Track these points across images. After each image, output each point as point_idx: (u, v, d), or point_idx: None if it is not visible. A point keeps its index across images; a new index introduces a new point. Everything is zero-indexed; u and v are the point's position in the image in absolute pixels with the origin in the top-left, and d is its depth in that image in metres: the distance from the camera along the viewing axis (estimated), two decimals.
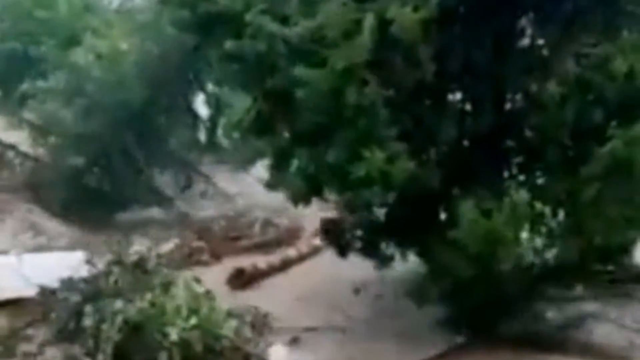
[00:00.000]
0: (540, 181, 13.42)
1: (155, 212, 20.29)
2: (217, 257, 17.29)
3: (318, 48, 11.89)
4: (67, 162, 19.06)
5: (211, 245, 17.60)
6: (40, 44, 21.53)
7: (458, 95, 13.84)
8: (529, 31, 13.65)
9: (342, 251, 14.65)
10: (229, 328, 11.39)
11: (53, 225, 18.69)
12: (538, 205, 12.72)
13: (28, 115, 20.31)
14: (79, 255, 13.47)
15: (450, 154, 13.40)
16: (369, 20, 11.70)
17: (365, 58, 11.64)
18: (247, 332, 11.89)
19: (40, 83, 19.71)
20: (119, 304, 11.16)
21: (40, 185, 19.48)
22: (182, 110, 20.66)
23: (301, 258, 17.53)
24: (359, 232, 14.45)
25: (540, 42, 13.67)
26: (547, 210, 12.88)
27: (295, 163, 13.54)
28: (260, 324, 12.92)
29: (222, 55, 13.45)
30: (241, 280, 16.09)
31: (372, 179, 11.70)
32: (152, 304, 11.10)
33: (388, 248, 14.34)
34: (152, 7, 19.39)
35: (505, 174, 13.81)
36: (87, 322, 11.30)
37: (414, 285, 13.81)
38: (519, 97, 13.70)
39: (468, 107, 13.76)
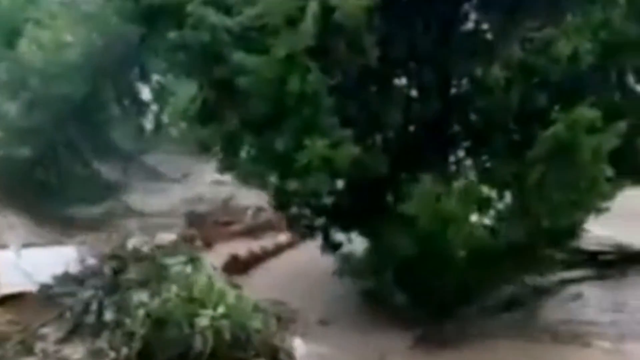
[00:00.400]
0: (486, 165, 13.47)
1: (106, 206, 20.04)
2: (209, 243, 16.94)
3: (260, 36, 11.84)
4: (13, 156, 18.78)
5: (203, 231, 17.31)
6: None
7: (404, 81, 13.90)
8: (473, 16, 13.72)
9: (290, 224, 14.76)
10: (257, 320, 11.09)
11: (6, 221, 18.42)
12: (485, 189, 12.79)
13: None
14: (70, 250, 13.26)
15: (396, 139, 13.47)
16: (313, 7, 11.66)
17: (307, 45, 11.60)
18: (274, 325, 11.55)
19: None
20: (139, 296, 10.90)
21: None
22: (128, 101, 20.48)
23: (291, 243, 17.43)
24: (305, 211, 14.48)
25: (485, 26, 13.74)
26: (494, 193, 12.93)
27: (244, 148, 13.50)
28: (285, 318, 12.64)
29: (167, 46, 13.32)
30: (237, 266, 15.92)
31: (315, 167, 11.68)
32: (176, 295, 10.80)
33: (335, 232, 14.41)
34: None
35: (452, 158, 13.89)
36: (109, 316, 11.05)
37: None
38: (464, 81, 13.78)
39: (414, 92, 13.80)
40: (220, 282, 11.45)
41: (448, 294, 13.28)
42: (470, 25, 13.66)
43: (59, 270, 12.33)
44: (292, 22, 11.69)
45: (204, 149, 14.34)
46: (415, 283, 13.35)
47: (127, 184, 20.93)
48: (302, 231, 15.00)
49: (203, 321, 10.50)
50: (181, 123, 16.54)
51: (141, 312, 10.63)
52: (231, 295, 11.09)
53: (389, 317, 14.04)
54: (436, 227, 11.80)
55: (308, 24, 11.54)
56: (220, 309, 10.70)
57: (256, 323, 10.98)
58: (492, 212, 12.98)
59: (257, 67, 11.68)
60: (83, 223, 18.32)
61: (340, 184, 13.57)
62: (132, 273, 11.41)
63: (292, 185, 12.28)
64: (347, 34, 11.93)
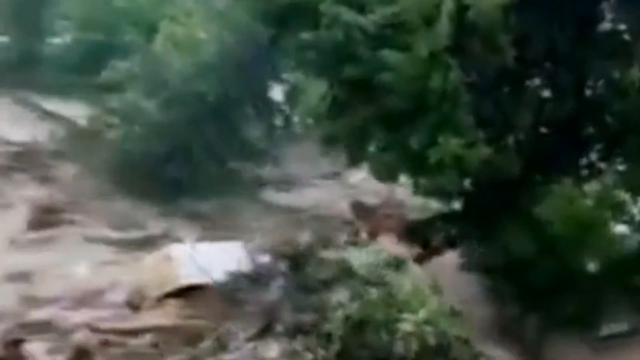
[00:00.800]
0: (621, 168, 13.19)
1: (237, 201, 19.75)
2: (374, 235, 15.28)
3: (396, 34, 11.88)
4: (150, 152, 19.10)
5: (369, 223, 15.74)
6: (120, 33, 21.86)
7: (537, 82, 13.72)
8: (610, 16, 13.44)
9: (425, 245, 14.61)
10: (456, 325, 10.57)
11: (140, 214, 18.63)
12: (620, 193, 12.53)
13: (112, 103, 20.42)
14: (237, 247, 13.27)
15: (528, 140, 13.29)
16: (447, 5, 11.64)
17: (446, 44, 11.58)
18: (471, 330, 10.98)
19: (119, 70, 19.85)
20: (336, 297, 10.51)
21: (123, 175, 19.61)
22: (261, 100, 20.61)
23: None
24: (439, 224, 14.35)
25: (622, 27, 13.45)
26: (628, 197, 12.66)
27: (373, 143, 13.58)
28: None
29: (298, 46, 13.50)
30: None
31: (447, 165, 11.64)
32: (377, 298, 10.42)
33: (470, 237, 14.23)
34: None
35: (584, 161, 13.64)
36: (303, 316, 10.71)
37: None
38: (600, 83, 13.50)
39: (547, 93, 13.61)
40: (423, 285, 10.92)
41: (584, 302, 13.02)
42: (607, 25, 13.37)
43: (230, 266, 12.34)
44: (429, 20, 11.69)
45: (330, 143, 14.43)
46: (548, 289, 13.10)
47: (266, 181, 20.92)
48: (440, 243, 14.72)
49: (406, 326, 10.15)
50: (310, 120, 16.67)
51: (340, 313, 10.30)
52: (433, 300, 10.64)
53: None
54: (571, 231, 11.58)
55: (444, 23, 11.53)
56: (422, 314, 10.29)
57: (456, 329, 10.47)
58: (625, 217, 12.74)
59: (399, 64, 11.70)
60: (215, 217, 18.47)
61: (466, 184, 13.48)
62: (315, 272, 11.13)
63: (422, 182, 12.30)
64: (482, 32, 11.86)
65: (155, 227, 17.80)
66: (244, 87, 19.60)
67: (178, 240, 14.72)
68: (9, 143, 21.46)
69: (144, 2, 22.38)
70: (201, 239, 14.53)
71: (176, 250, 13.36)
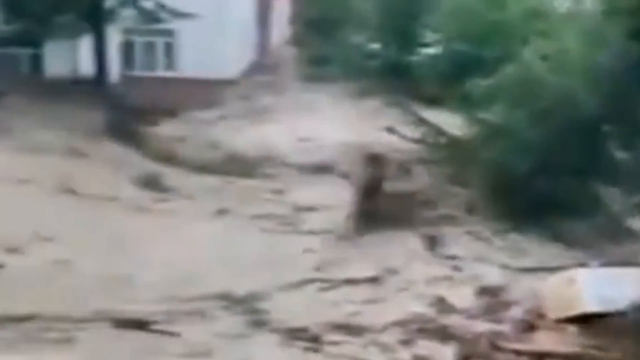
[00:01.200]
0: None
1: (607, 227, 19.09)
2: None
3: None
4: (517, 167, 18.82)
5: None
6: (488, 45, 22.49)
7: None
8: None
9: None
10: None
11: (511, 234, 18.82)
12: None
13: (481, 115, 20.80)
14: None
15: None
16: None
17: None
18: None
19: (489, 83, 20.30)
20: None
21: (493, 189, 19.65)
22: (630, 120, 19.97)
23: None
24: None
25: None
26: None
27: None
28: None
29: None
30: None
31: None
32: None
33: None
34: (600, 13, 19.41)
35: None
36: None
37: None
38: None
39: None
40: None
41: None
42: None
43: (633, 296, 11.95)
44: None
45: None
46: None
47: (634, 207, 19.87)
48: None
49: None
50: None
51: None
52: None
53: None
54: None
55: None
56: None
57: None
58: None
59: None
60: (577, 241, 18.12)
61: None
62: None
63: None
64: None
65: (535, 250, 17.79)
66: (614, 106, 19.13)
67: (582, 264, 14.42)
68: (405, 137, 23.17)
69: (517, 15, 22.71)
70: (603, 264, 14.14)
71: (579, 274, 13.21)
